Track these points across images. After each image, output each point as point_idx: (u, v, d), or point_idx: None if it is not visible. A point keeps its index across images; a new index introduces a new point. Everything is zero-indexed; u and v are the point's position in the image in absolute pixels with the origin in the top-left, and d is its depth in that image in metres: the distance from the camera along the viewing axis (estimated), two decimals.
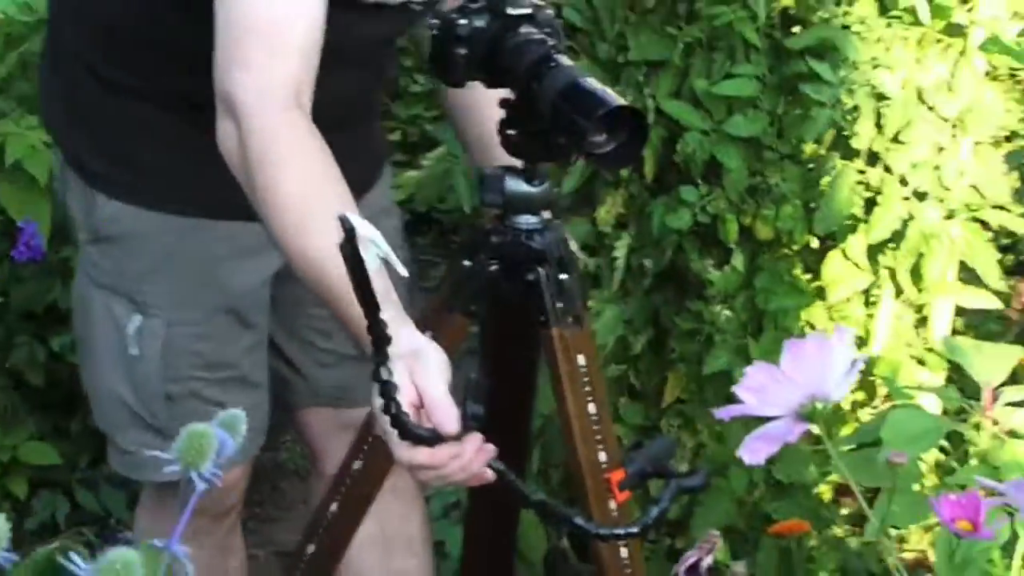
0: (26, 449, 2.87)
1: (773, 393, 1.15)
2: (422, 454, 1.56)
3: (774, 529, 2.32)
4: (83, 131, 2.05)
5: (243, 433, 0.87)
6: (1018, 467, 1.80)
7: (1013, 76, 2.66)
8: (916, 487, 2.01)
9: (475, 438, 1.61)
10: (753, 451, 1.16)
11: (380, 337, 1.47)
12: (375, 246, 1.48)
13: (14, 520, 2.74)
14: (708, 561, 1.48)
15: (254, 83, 1.68)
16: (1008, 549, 1.80)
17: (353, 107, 2.03)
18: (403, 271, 1.52)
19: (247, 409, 2.09)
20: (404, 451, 1.56)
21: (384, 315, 1.59)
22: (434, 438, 1.57)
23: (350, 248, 1.37)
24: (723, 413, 1.19)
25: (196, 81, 1.80)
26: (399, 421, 1.53)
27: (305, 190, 1.66)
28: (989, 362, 1.96)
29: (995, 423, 1.91)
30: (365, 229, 1.50)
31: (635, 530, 1.87)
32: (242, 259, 2.05)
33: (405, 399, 1.55)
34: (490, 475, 1.64)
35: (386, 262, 1.46)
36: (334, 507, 2.01)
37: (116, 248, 2.04)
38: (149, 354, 2.04)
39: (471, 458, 1.60)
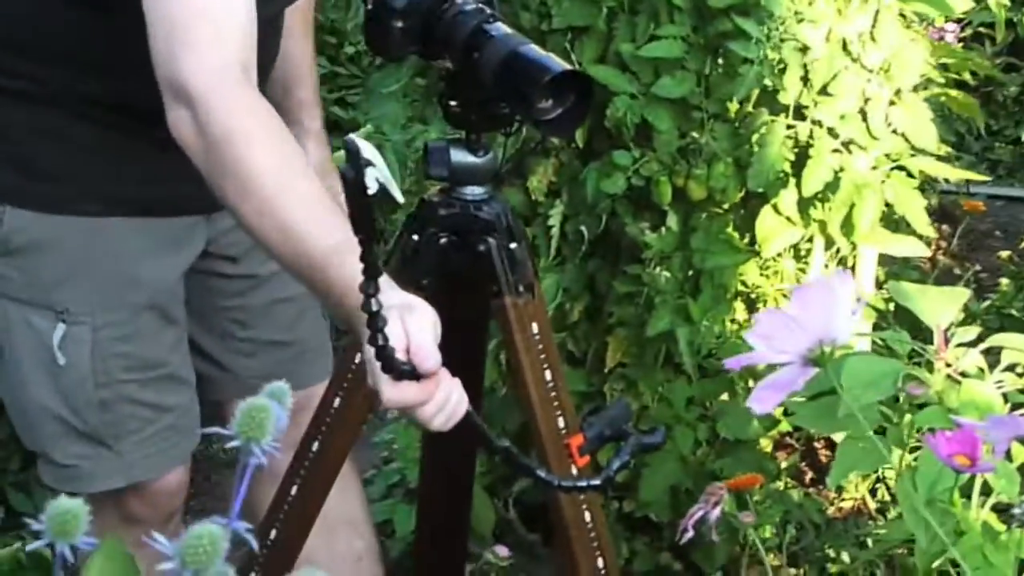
0: None
1: (782, 339, 1.15)
2: (410, 390, 1.54)
3: (729, 484, 2.34)
4: None
5: (290, 406, 0.86)
6: (975, 407, 1.82)
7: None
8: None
9: (449, 375, 1.59)
10: (762, 400, 1.17)
11: (373, 265, 1.43)
12: (376, 170, 1.47)
13: None
14: (716, 513, 1.49)
15: (206, 64, 1.66)
16: (966, 489, 1.84)
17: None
18: (400, 198, 1.53)
19: (180, 407, 2.10)
20: (393, 391, 1.53)
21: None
22: (415, 372, 1.55)
23: (353, 172, 1.34)
24: (733, 362, 1.19)
25: (103, 83, 1.79)
26: (384, 353, 1.51)
27: (277, 163, 1.64)
28: (936, 305, 1.98)
29: (948, 365, 1.93)
30: (368, 152, 1.50)
31: (597, 482, 1.87)
32: (160, 253, 2.02)
33: (397, 344, 1.52)
34: (462, 412, 1.62)
35: (384, 189, 1.47)
36: (294, 490, 1.99)
37: (28, 259, 1.99)
38: (77, 362, 1.99)
39: (453, 390, 1.59)
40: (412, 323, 1.55)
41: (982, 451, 1.23)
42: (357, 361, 1.89)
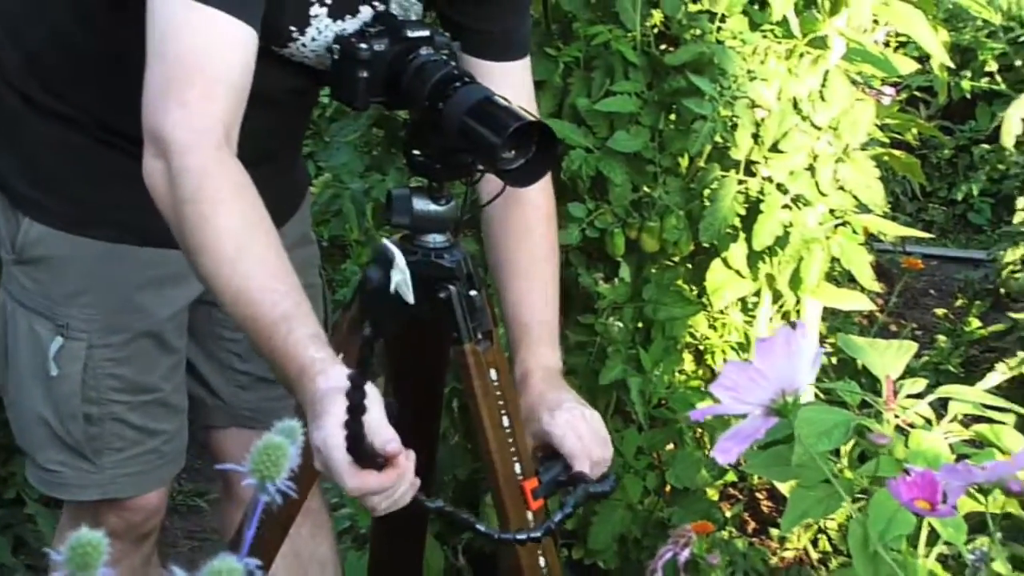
0: None
1: (746, 390, 1.15)
2: (372, 479, 1.57)
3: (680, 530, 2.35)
4: (9, 154, 2.03)
5: (300, 443, 0.86)
6: (922, 456, 1.83)
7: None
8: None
9: (410, 455, 1.61)
10: (725, 451, 1.17)
11: (367, 362, 1.48)
12: (397, 272, 1.51)
13: None
14: (685, 555, 1.49)
15: (190, 122, 1.66)
16: (913, 537, 1.85)
17: (273, 144, 2.02)
18: (411, 299, 1.57)
19: (168, 433, 2.10)
20: (354, 480, 1.56)
21: (317, 354, 1.61)
22: (381, 462, 1.57)
23: (379, 274, 1.39)
24: (697, 415, 1.20)
25: (122, 110, 1.78)
26: (361, 445, 1.53)
27: (240, 226, 1.65)
28: (885, 358, 2.00)
29: (896, 416, 1.95)
30: (399, 259, 1.55)
31: (538, 534, 1.88)
32: (164, 286, 2.04)
33: (336, 431, 1.54)
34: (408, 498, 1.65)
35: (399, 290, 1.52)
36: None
37: (40, 270, 2.02)
38: (69, 375, 2.02)
39: (406, 478, 1.61)
40: (368, 398, 1.56)
41: (940, 496, 1.24)
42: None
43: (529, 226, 2.01)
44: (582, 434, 1.90)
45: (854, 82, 2.64)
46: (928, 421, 1.97)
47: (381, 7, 1.88)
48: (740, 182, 2.55)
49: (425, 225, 1.89)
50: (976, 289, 4.57)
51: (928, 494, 1.24)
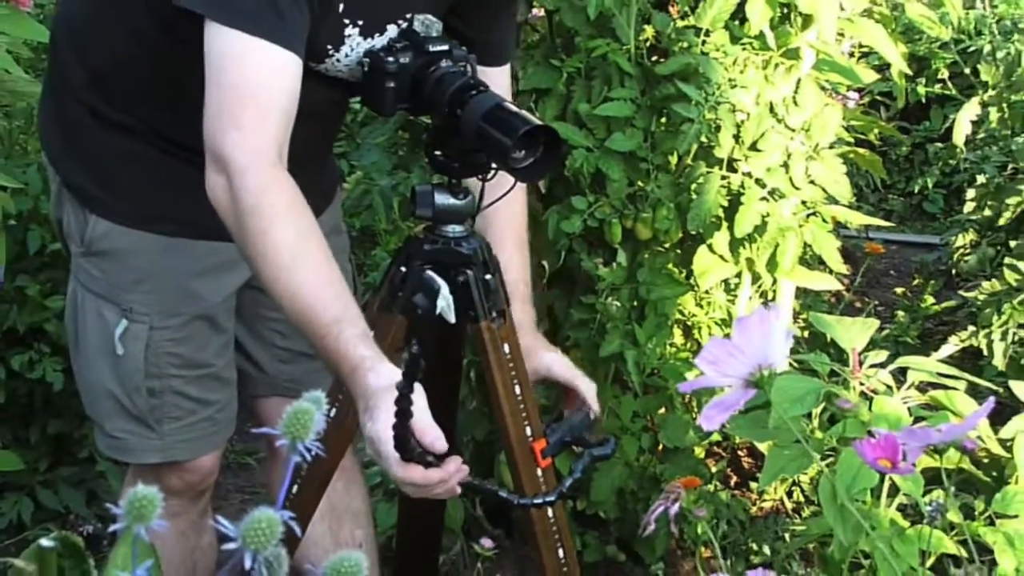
0: None
1: (727, 364, 1.15)
2: (417, 473, 1.59)
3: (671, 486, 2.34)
4: (78, 159, 2.02)
5: (325, 410, 0.86)
6: (884, 419, 1.82)
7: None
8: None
9: (456, 461, 1.63)
10: (709, 419, 1.17)
11: (412, 374, 1.50)
12: (442, 298, 1.53)
13: None
14: (675, 509, 1.48)
15: (246, 144, 1.66)
16: (876, 490, 1.84)
17: (312, 149, 2.00)
18: (453, 319, 1.65)
19: (220, 402, 2.10)
20: (400, 470, 1.58)
21: (366, 352, 1.62)
22: (435, 462, 1.59)
23: (427, 302, 1.40)
24: (685, 387, 1.19)
25: (178, 123, 1.81)
26: (408, 445, 1.56)
27: (294, 239, 1.66)
28: (851, 332, 1.99)
29: (860, 383, 1.94)
30: (445, 289, 1.54)
31: (552, 498, 1.88)
32: (217, 273, 2.03)
33: (391, 425, 1.56)
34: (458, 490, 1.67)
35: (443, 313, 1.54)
36: (295, 488, 1.97)
37: (106, 261, 2.02)
38: (133, 354, 2.01)
39: (453, 478, 1.64)
40: (414, 404, 1.57)
41: (900, 455, 1.23)
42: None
43: (511, 199, 1.97)
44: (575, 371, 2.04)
45: (823, 88, 2.63)
46: (889, 388, 1.96)
47: (406, 25, 1.88)
48: (723, 177, 2.54)
49: (445, 217, 1.89)
50: (931, 270, 4.56)
51: (890, 453, 1.23)
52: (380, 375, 1.60)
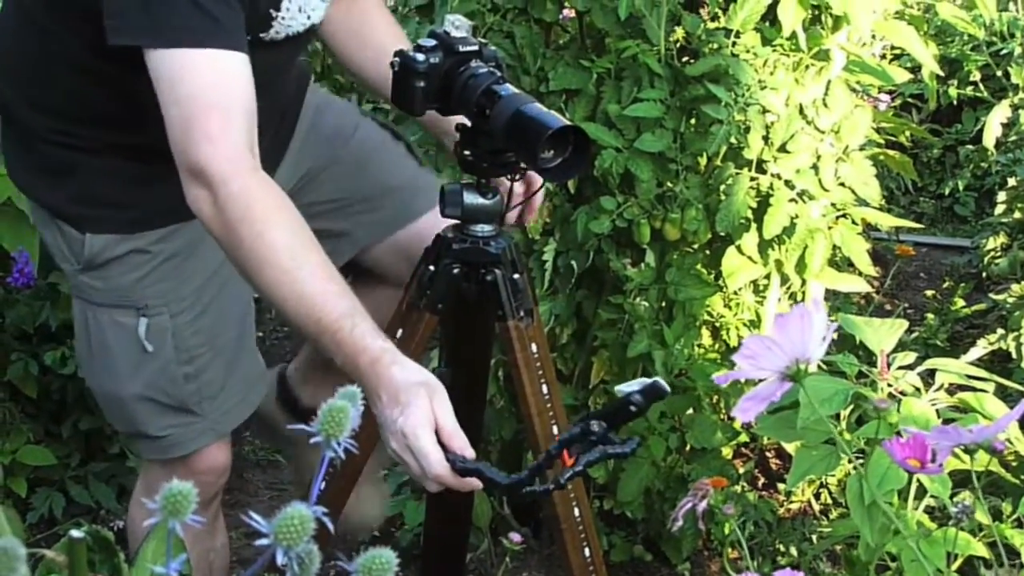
0: (24, 452, 2.82)
1: (764, 358, 1.15)
2: (450, 476, 1.60)
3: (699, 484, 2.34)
4: (65, 187, 2.00)
5: (360, 405, 0.86)
6: (912, 420, 1.82)
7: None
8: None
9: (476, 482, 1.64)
10: (745, 410, 1.17)
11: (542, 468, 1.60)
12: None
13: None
14: (703, 506, 1.49)
15: (220, 153, 1.67)
16: (904, 492, 1.84)
17: (272, 114, 2.00)
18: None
19: (248, 363, 2.10)
20: (438, 468, 1.59)
21: (385, 344, 1.63)
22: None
23: (644, 404, 1.57)
24: (722, 379, 1.20)
25: (146, 138, 1.80)
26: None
27: (290, 240, 1.67)
28: (880, 334, 1.98)
29: (889, 385, 1.94)
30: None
31: (550, 487, 1.84)
32: (208, 247, 1.96)
33: (430, 423, 1.57)
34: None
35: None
36: (323, 484, 1.98)
37: (107, 271, 2.01)
38: (162, 347, 2.02)
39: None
40: (438, 406, 1.59)
41: (930, 456, 1.23)
42: (398, 335, 1.92)
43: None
44: None
45: (854, 90, 2.62)
46: (917, 390, 1.96)
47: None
48: (752, 179, 2.54)
49: (474, 216, 1.89)
50: (961, 273, 4.53)
51: (919, 454, 1.23)
52: (406, 368, 1.61)
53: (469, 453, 1.59)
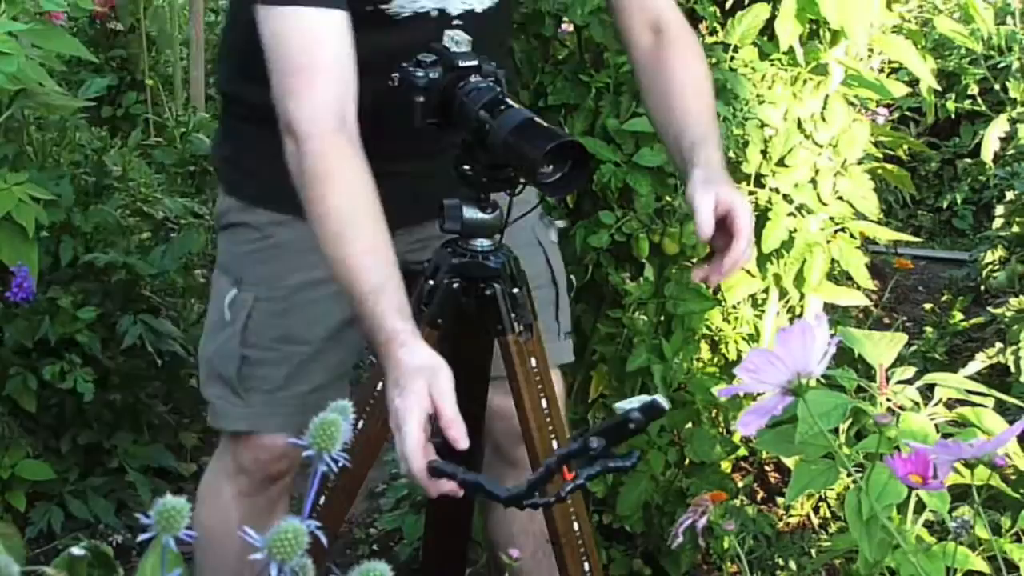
0: (23, 467, 2.82)
1: (766, 372, 1.15)
2: (447, 486, 1.60)
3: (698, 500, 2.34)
4: (220, 148, 2.18)
5: (351, 419, 0.86)
6: (912, 435, 1.81)
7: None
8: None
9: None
10: (747, 424, 1.17)
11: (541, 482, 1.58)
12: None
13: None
14: (703, 521, 1.48)
15: (303, 112, 1.73)
16: (902, 507, 1.84)
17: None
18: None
19: (316, 386, 2.08)
20: (418, 460, 1.57)
21: (401, 325, 1.64)
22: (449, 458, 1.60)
23: (644, 421, 1.52)
24: (725, 392, 1.20)
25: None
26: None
27: (345, 206, 1.70)
28: (879, 348, 1.98)
29: (888, 399, 1.93)
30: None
31: (551, 501, 1.83)
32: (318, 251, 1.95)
33: (421, 409, 1.57)
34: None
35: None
36: (322, 499, 1.97)
37: (228, 235, 2.11)
38: (235, 321, 2.07)
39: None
40: (436, 391, 1.59)
41: (931, 471, 1.23)
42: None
43: (686, 58, 1.99)
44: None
45: (852, 104, 2.63)
46: (916, 404, 1.96)
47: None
48: (750, 193, 2.54)
49: (474, 231, 1.89)
50: (960, 286, 4.53)
51: (921, 469, 1.23)
52: (413, 353, 1.62)
53: (463, 444, 1.58)
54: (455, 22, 1.94)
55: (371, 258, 1.68)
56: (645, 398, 1.55)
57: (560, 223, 2.27)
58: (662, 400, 1.53)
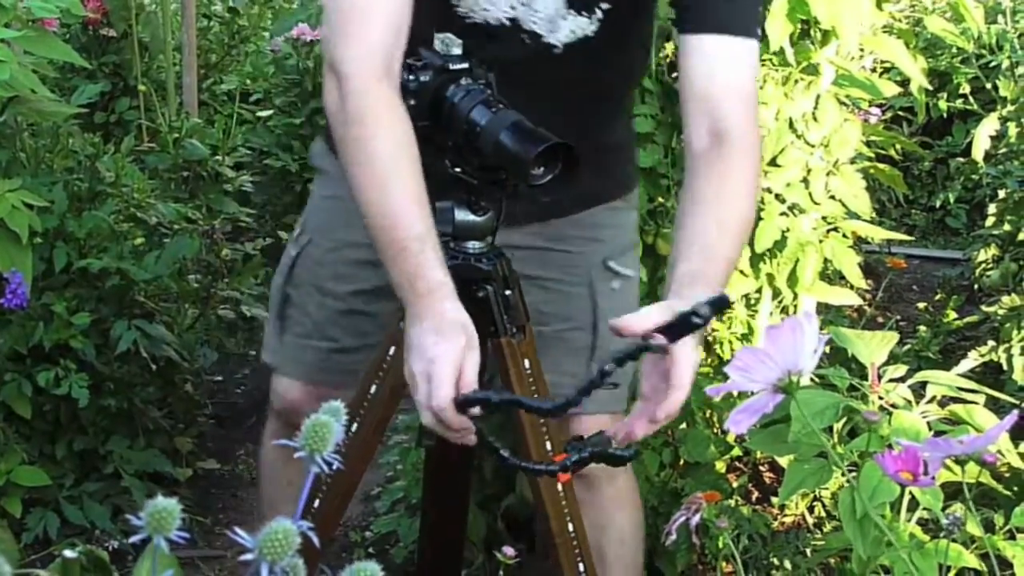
0: (19, 473, 2.81)
1: (756, 370, 1.15)
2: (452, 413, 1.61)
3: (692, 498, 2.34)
4: None
5: (344, 421, 0.86)
6: (904, 433, 1.82)
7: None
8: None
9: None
10: (737, 422, 1.17)
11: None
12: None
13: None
14: (696, 519, 1.48)
15: (353, 52, 1.73)
16: (896, 505, 1.84)
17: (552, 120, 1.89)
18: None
19: (342, 345, 2.11)
20: (443, 399, 1.60)
21: (445, 279, 1.67)
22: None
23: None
24: (713, 391, 1.20)
25: None
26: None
27: (390, 151, 1.70)
28: (870, 347, 1.99)
29: (880, 397, 1.94)
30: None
31: (555, 467, 1.82)
32: None
33: (457, 358, 1.59)
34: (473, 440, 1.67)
35: None
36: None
37: (315, 176, 2.20)
38: (287, 259, 2.16)
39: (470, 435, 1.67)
40: (469, 354, 1.61)
41: (921, 468, 1.23)
42: (391, 353, 1.90)
43: (735, 186, 1.78)
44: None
45: (843, 104, 2.63)
46: (909, 402, 1.96)
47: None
48: None
49: (465, 233, 1.89)
50: (953, 285, 4.54)
51: (911, 466, 1.23)
52: (458, 308, 1.63)
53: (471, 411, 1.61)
54: (523, 36, 1.92)
55: (417, 206, 1.68)
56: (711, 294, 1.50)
57: (630, 272, 2.17)
58: (729, 294, 1.51)
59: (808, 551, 2.79)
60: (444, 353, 1.59)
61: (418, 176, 1.70)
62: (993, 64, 3.93)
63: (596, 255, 2.15)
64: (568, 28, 1.91)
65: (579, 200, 2.10)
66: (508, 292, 1.91)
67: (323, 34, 1.78)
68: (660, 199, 2.54)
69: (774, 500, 3.07)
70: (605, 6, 1.88)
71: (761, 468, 3.18)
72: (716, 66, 1.80)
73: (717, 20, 1.81)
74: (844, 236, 2.64)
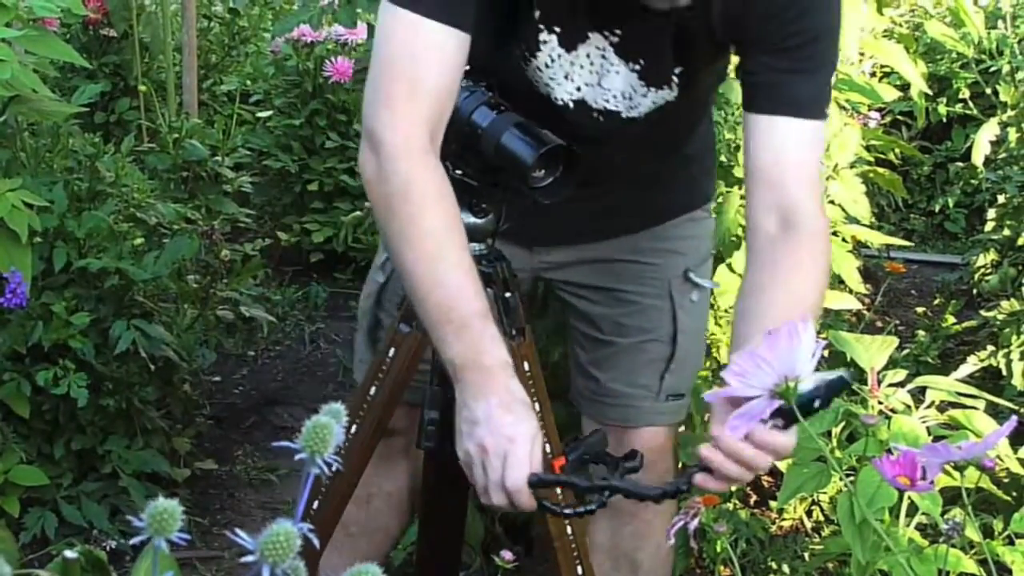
0: (17, 472, 2.81)
1: (754, 376, 1.15)
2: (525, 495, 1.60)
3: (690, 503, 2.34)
4: None
5: (344, 423, 0.86)
6: (903, 438, 1.82)
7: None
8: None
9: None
10: (735, 428, 1.17)
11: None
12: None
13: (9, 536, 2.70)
14: (694, 523, 1.48)
15: (398, 125, 1.66)
16: (894, 509, 1.84)
17: (613, 174, 1.98)
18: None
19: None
20: (519, 480, 1.58)
21: (509, 357, 1.63)
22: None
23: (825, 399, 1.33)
24: (711, 396, 1.20)
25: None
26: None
27: (442, 229, 1.65)
28: (870, 351, 1.99)
29: (879, 402, 1.94)
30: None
31: (592, 508, 1.82)
32: None
33: (533, 439, 1.58)
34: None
35: None
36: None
37: None
38: (373, 284, 2.18)
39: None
40: (539, 448, 1.59)
41: (919, 473, 1.23)
42: (390, 355, 1.92)
43: (803, 277, 1.68)
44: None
45: (843, 108, 2.63)
46: (908, 407, 1.96)
47: (614, 38, 1.80)
48: (742, 197, 2.53)
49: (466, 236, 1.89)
50: (952, 290, 4.54)
51: (909, 471, 1.23)
52: (521, 389, 1.61)
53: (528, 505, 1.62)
54: (595, 114, 1.88)
55: (473, 282, 1.64)
56: (827, 376, 1.32)
57: (707, 283, 2.17)
58: (847, 374, 1.35)
59: (806, 555, 2.79)
60: (524, 433, 1.56)
61: (467, 250, 1.67)
62: (993, 69, 3.94)
63: (677, 267, 2.14)
64: (650, 101, 1.86)
65: (664, 213, 2.12)
66: (508, 295, 1.92)
67: (367, 97, 1.69)
68: None
69: (772, 504, 3.07)
70: (678, 70, 1.82)
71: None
72: (787, 148, 1.70)
73: (793, 101, 1.72)
74: (843, 240, 2.64)
